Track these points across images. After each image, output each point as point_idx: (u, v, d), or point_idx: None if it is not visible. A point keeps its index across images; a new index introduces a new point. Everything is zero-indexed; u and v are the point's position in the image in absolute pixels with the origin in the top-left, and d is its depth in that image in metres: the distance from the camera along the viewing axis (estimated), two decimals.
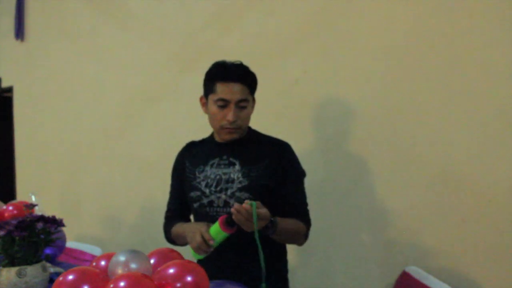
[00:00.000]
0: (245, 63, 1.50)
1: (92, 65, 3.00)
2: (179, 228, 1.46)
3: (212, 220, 1.37)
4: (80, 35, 3.09)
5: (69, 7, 3.18)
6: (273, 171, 1.41)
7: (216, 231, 1.24)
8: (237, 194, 1.40)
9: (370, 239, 1.81)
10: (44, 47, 3.42)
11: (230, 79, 1.38)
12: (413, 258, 1.69)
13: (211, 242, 1.23)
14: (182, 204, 1.56)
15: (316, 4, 1.95)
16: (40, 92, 3.45)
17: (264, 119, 1.66)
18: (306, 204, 1.47)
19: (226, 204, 1.41)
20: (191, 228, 1.32)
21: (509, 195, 1.50)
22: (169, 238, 1.55)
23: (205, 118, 1.51)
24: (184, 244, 1.46)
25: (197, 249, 1.25)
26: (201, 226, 1.27)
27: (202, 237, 1.23)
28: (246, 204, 1.17)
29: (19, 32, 3.56)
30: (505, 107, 1.51)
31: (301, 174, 1.50)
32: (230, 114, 1.38)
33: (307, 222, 1.45)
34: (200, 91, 1.48)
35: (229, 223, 1.21)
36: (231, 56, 1.48)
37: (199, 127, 1.66)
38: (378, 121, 1.78)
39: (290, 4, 2.03)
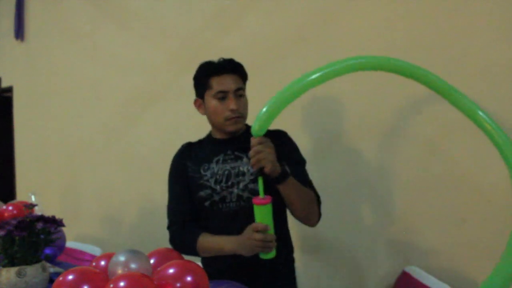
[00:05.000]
0: (245, 63, 1.51)
1: (92, 65, 3.00)
2: (210, 241, 1.38)
3: (226, 216, 1.39)
4: (80, 35, 3.09)
5: (69, 7, 3.18)
6: (279, 159, 1.39)
7: (260, 213, 1.21)
8: (250, 186, 1.40)
9: (370, 239, 1.81)
10: (44, 47, 3.42)
11: (223, 71, 1.43)
12: (413, 258, 1.69)
13: (268, 229, 1.20)
14: (193, 207, 1.48)
15: (316, 5, 1.95)
16: (40, 92, 3.45)
17: None
18: (311, 182, 1.45)
19: (239, 198, 1.40)
20: (237, 240, 1.30)
21: (509, 195, 1.49)
22: (192, 248, 1.40)
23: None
24: (212, 254, 1.42)
25: (264, 247, 1.21)
26: (246, 230, 1.25)
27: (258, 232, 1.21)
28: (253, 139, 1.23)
29: (19, 32, 3.56)
30: (505, 107, 1.51)
31: (302, 159, 1.50)
32: (232, 103, 1.40)
33: (316, 194, 1.43)
34: None
35: (259, 174, 1.22)
36: (231, 56, 1.48)
37: (199, 127, 1.66)
38: (378, 121, 1.78)
39: (290, 4, 2.03)
